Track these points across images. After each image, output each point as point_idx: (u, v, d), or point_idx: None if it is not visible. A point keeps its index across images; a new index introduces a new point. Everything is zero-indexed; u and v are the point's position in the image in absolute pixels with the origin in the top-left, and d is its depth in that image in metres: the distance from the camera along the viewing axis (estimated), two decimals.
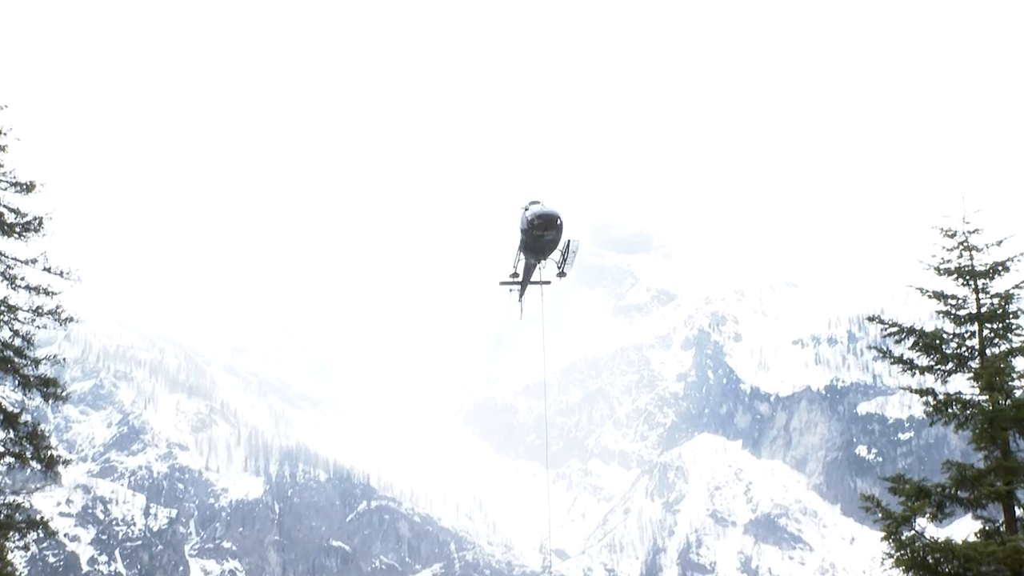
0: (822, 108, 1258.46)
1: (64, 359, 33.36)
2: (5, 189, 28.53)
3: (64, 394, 30.85)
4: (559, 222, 25.82)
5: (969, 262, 26.00)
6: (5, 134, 28.06)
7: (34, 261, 29.44)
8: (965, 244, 26.04)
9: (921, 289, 26.71)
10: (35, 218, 28.97)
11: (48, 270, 29.64)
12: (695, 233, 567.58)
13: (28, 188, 28.73)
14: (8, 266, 29.30)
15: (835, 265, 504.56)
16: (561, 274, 28.48)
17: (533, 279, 30.24)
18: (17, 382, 30.08)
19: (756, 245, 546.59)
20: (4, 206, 28.62)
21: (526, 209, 26.10)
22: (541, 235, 26.11)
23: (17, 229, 28.74)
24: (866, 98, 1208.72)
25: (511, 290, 31.56)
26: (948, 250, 26.32)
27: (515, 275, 30.03)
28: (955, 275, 26.23)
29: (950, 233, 26.26)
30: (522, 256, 28.57)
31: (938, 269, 26.46)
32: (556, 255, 27.75)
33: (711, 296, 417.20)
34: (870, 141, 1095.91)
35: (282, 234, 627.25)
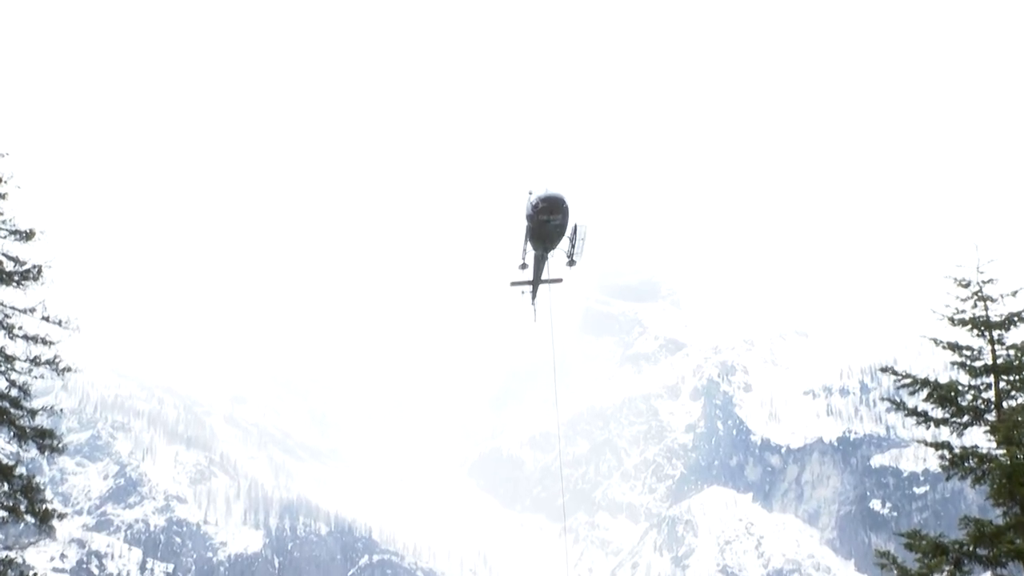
0: (834, 156, 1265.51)
1: (61, 410, 32.86)
2: (4, 237, 28.20)
3: (60, 446, 30.24)
4: (565, 205, 25.16)
5: (984, 312, 25.50)
6: (5, 182, 27.84)
7: (32, 310, 29.02)
8: (979, 294, 25.56)
9: (935, 339, 26.21)
10: (34, 266, 28.60)
11: (46, 319, 29.20)
12: (703, 281, 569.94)
13: (27, 236, 28.41)
14: (6, 315, 28.88)
15: (846, 314, 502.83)
16: (571, 263, 27.48)
17: (544, 277, 29.24)
18: (12, 434, 29.50)
19: (765, 293, 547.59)
20: (3, 254, 28.28)
21: (531, 194, 25.37)
22: (547, 219, 25.37)
23: (16, 278, 28.36)
24: (879, 147, 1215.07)
25: (523, 292, 30.10)
26: (962, 300, 25.84)
27: (524, 266, 28.73)
28: (970, 325, 25.71)
29: (964, 283, 25.81)
30: (530, 247, 27.57)
31: (952, 319, 25.97)
32: (565, 244, 26.92)
33: (720, 345, 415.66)
34: (882, 189, 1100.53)
35: (283, 283, 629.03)
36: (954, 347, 25.84)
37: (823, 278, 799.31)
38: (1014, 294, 25.24)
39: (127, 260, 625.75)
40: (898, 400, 27.32)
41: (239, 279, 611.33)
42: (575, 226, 26.41)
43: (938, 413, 25.88)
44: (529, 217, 25.66)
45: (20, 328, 28.95)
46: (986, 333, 25.50)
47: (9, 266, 28.30)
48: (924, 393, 25.93)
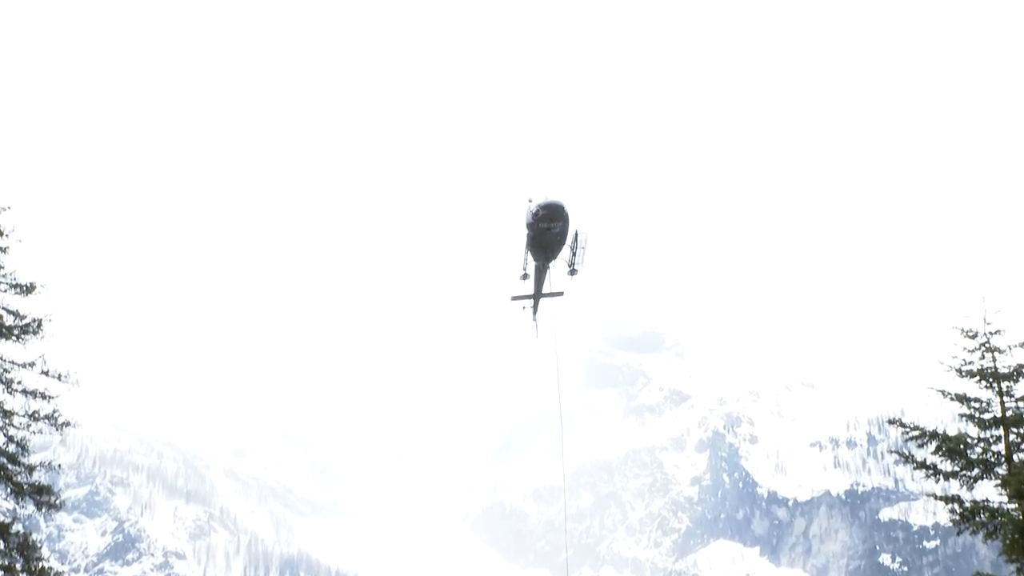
0: (840, 207, 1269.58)
1: (59, 465, 32.49)
2: (5, 291, 28.18)
3: (58, 502, 29.91)
4: (565, 212, 24.76)
5: (992, 364, 25.32)
6: (7, 235, 27.87)
7: (32, 364, 28.88)
8: (987, 345, 25.41)
9: (943, 391, 26.02)
10: (34, 320, 28.52)
11: (46, 373, 29.04)
12: (708, 332, 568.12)
13: (28, 290, 28.36)
14: (5, 369, 28.74)
15: (852, 365, 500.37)
16: (573, 272, 27.10)
17: (545, 291, 28.81)
18: (10, 490, 29.18)
19: (771, 344, 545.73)
20: (3, 308, 28.23)
21: (530, 202, 24.98)
22: (548, 227, 24.96)
23: (15, 332, 28.27)
24: (885, 199, 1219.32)
25: (524, 307, 29.69)
26: (970, 351, 25.69)
27: (525, 276, 28.35)
28: (978, 377, 25.52)
29: (971, 334, 25.67)
30: (530, 257, 27.17)
31: (960, 371, 25.78)
32: (566, 253, 26.52)
33: (725, 397, 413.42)
34: (888, 240, 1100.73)
35: (284, 335, 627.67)
36: (962, 399, 25.64)
37: (828, 329, 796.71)
38: (1022, 345, 25.10)
39: (126, 312, 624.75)
40: (907, 452, 27.06)
41: (240, 332, 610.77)
42: (576, 233, 26.05)
43: (947, 466, 25.62)
44: (529, 225, 25.30)
45: (19, 383, 28.78)
46: (994, 385, 25.30)
47: (9, 320, 28.22)
48: (933, 445, 25.68)
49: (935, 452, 25.77)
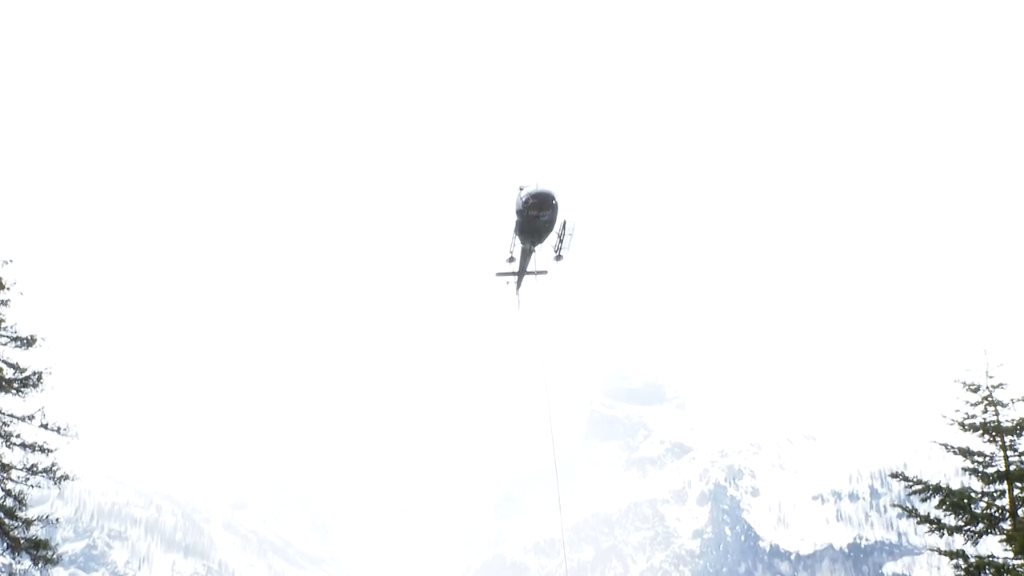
0: (840, 258, 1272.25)
1: (57, 519, 32.19)
2: (5, 344, 28.16)
3: (55, 556, 29.56)
4: (554, 202, 25.46)
5: (995, 418, 25.23)
6: (8, 288, 27.93)
7: (31, 417, 28.75)
8: (990, 399, 25.33)
9: (946, 445, 25.88)
10: (34, 373, 28.47)
11: (45, 426, 28.90)
12: (709, 384, 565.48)
13: (29, 343, 28.36)
14: (4, 423, 28.60)
15: (854, 417, 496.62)
16: (558, 257, 27.82)
17: (529, 269, 29.48)
18: (6, 545, 28.87)
19: (772, 396, 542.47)
20: (3, 361, 28.20)
21: (521, 190, 25.73)
22: (537, 215, 25.72)
23: (15, 385, 28.20)
24: (887, 250, 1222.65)
25: (507, 282, 30.41)
26: (972, 405, 25.62)
27: (511, 259, 29.09)
28: (980, 431, 25.42)
29: (973, 387, 25.62)
30: (518, 241, 27.91)
31: (962, 424, 25.68)
32: (553, 239, 27.21)
33: (727, 449, 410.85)
34: (890, 292, 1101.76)
35: (283, 388, 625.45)
36: (965, 453, 25.50)
37: (830, 381, 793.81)
38: None
39: (124, 364, 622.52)
40: (910, 507, 26.83)
41: (239, 383, 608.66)
42: (563, 222, 26.68)
43: (951, 520, 25.42)
44: (519, 212, 26.06)
45: (18, 436, 28.63)
46: (997, 439, 25.19)
47: (9, 373, 28.17)
48: (936, 499, 25.51)
49: (939, 506, 25.58)
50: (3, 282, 27.61)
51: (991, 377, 25.56)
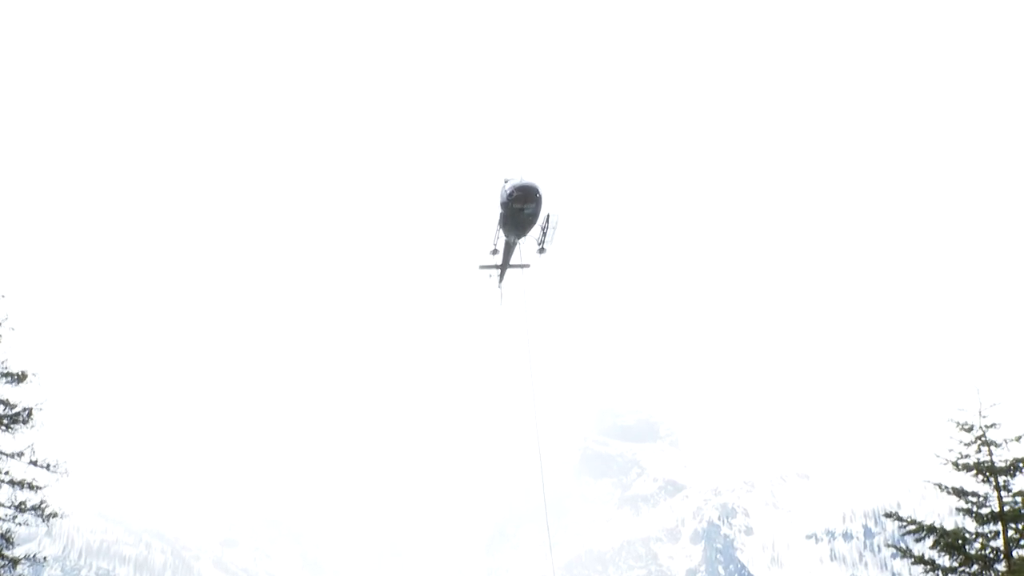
0: (834, 295, 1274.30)
1: (44, 558, 31.74)
2: None
3: None
4: (538, 195, 25.76)
5: (988, 458, 25.17)
6: (0, 324, 27.80)
7: (20, 454, 28.43)
8: (983, 439, 25.30)
9: (940, 485, 25.80)
10: (24, 409, 28.21)
11: (34, 463, 28.57)
12: (702, 421, 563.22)
13: (20, 378, 28.13)
14: None
15: (847, 456, 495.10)
16: (541, 250, 28.13)
17: (513, 262, 29.79)
18: None
19: (765, 434, 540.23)
20: None
21: (506, 183, 26.02)
22: (521, 208, 25.98)
23: (5, 421, 27.94)
24: (878, 287, 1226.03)
25: (490, 275, 30.68)
26: (966, 444, 25.58)
27: (495, 251, 29.39)
28: (974, 471, 25.34)
29: (967, 427, 25.58)
30: (502, 233, 28.15)
31: (956, 464, 25.62)
32: (536, 232, 27.50)
33: (720, 487, 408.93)
34: (884, 331, 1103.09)
35: (273, 424, 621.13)
36: (959, 493, 25.41)
37: (824, 419, 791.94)
38: (1018, 439, 24.99)
39: (114, 401, 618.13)
40: (904, 547, 26.73)
41: (228, 419, 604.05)
42: (547, 215, 26.95)
43: (946, 561, 25.30)
44: (503, 205, 26.34)
45: (6, 473, 28.31)
46: (991, 479, 25.11)
47: (0, 409, 27.96)
48: (931, 540, 25.39)
49: (933, 547, 25.46)
50: None
51: (984, 417, 25.56)
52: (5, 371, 27.92)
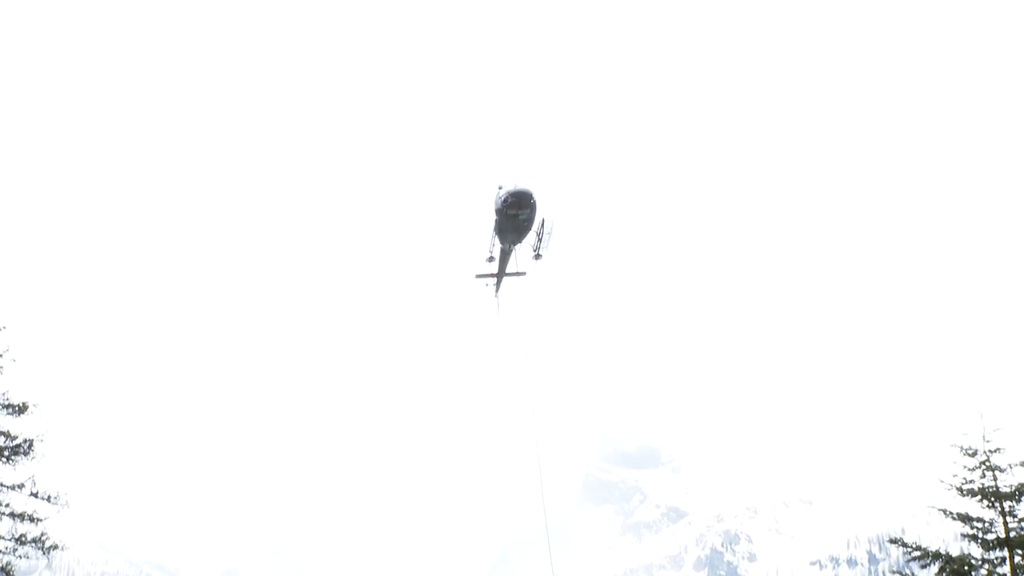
0: (836, 318, 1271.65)
1: None
2: None
3: None
4: (533, 200, 25.57)
5: (993, 483, 25.03)
6: (1, 356, 27.75)
7: (21, 486, 28.28)
8: (987, 464, 25.18)
9: (945, 510, 25.61)
10: (25, 441, 28.09)
11: (35, 495, 28.42)
12: (704, 447, 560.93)
13: (20, 410, 28.04)
14: None
15: (851, 481, 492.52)
16: (537, 256, 27.83)
17: (509, 270, 29.54)
18: None
19: (768, 460, 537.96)
20: None
21: (500, 189, 25.81)
22: (516, 214, 25.78)
23: (6, 453, 27.82)
24: (882, 311, 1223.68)
25: (487, 284, 30.48)
26: (970, 469, 25.44)
27: (491, 259, 28.98)
28: (979, 496, 25.19)
29: (971, 452, 25.46)
30: (497, 240, 27.90)
31: (960, 489, 25.47)
32: (532, 238, 27.24)
33: (723, 513, 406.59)
34: (887, 354, 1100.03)
35: (275, 452, 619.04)
36: (964, 518, 25.23)
37: (826, 444, 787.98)
38: (1023, 464, 24.89)
39: (114, 432, 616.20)
40: (909, 573, 26.59)
41: (228, 449, 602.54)
42: (542, 220, 26.75)
43: None
44: (498, 211, 26.11)
45: (7, 505, 28.14)
46: (996, 504, 24.96)
47: (0, 441, 27.85)
48: (936, 566, 25.20)
49: (939, 573, 25.27)
50: None
51: (988, 442, 25.45)
52: (6, 403, 27.83)
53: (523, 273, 30.08)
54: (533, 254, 28.19)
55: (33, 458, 28.11)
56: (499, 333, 30.94)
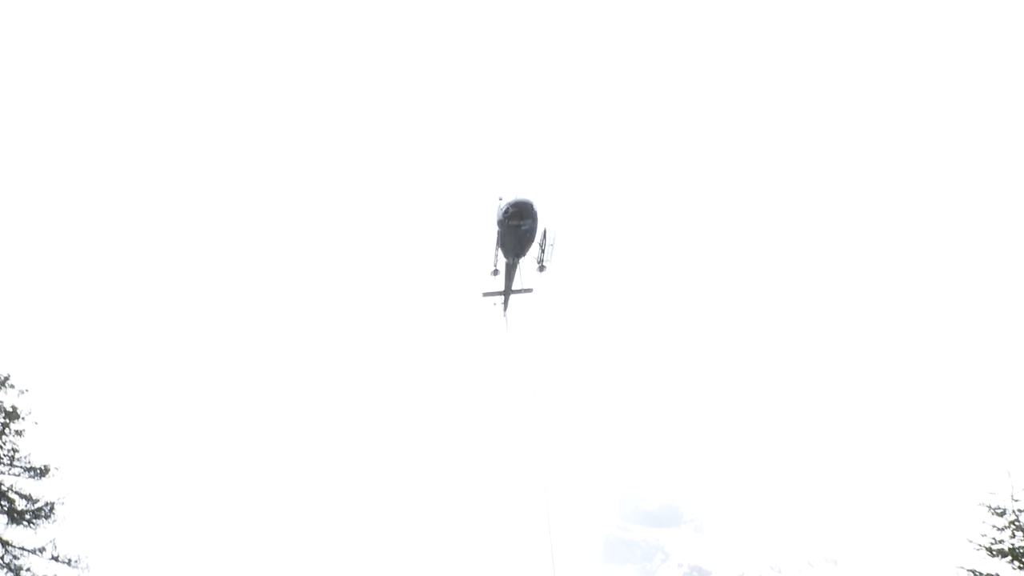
0: (862, 378, 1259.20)
1: None
2: (18, 475, 27.96)
3: None
4: (534, 210, 25.60)
5: (1023, 543, 24.60)
6: (23, 418, 27.93)
7: (42, 550, 28.27)
8: (1016, 524, 24.73)
9: (974, 571, 25.12)
10: (46, 504, 28.14)
11: (55, 559, 28.39)
12: (727, 505, 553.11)
13: (42, 473, 28.17)
14: (14, 556, 28.10)
15: (877, 540, 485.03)
16: (542, 268, 27.81)
17: (515, 287, 29.34)
18: None
19: (792, 518, 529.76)
20: (16, 492, 27.94)
21: (500, 200, 25.75)
22: (517, 224, 25.87)
23: (27, 516, 27.86)
24: (907, 367, 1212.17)
25: (495, 303, 30.18)
26: (999, 529, 24.98)
27: (496, 272, 28.83)
28: (1009, 557, 24.71)
29: (999, 511, 25.03)
30: (501, 254, 27.81)
31: (990, 550, 24.98)
32: (536, 251, 27.17)
33: (746, 572, 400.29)
34: (914, 410, 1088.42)
35: (293, 508, 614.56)
36: None
37: (851, 502, 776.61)
38: None
39: (134, 492, 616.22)
40: None
41: (249, 501, 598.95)
42: (544, 231, 26.74)
43: None
44: (499, 223, 26.18)
45: (28, 570, 28.11)
46: None
47: (21, 504, 27.90)
48: None
49: None
50: (19, 412, 27.63)
51: (1016, 500, 25.04)
52: (28, 465, 27.96)
53: (530, 290, 30.11)
54: (537, 266, 28.30)
55: (54, 521, 28.14)
56: (506, 342, 30.87)
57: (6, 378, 27.61)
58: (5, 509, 27.78)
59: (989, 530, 25.24)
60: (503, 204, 26.51)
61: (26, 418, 28.07)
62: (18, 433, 28.10)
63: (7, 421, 27.87)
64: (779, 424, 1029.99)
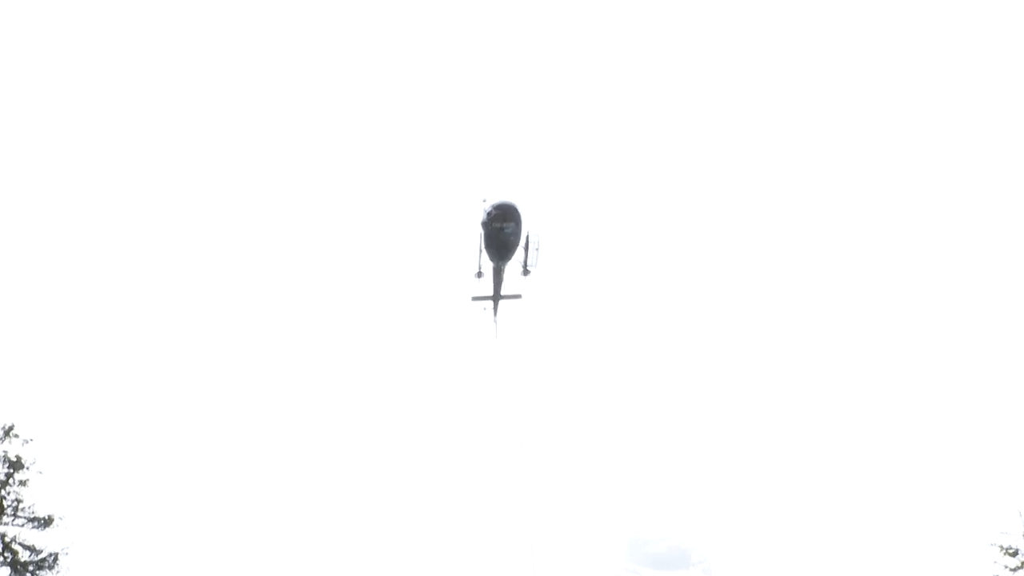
0: (872, 419, 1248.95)
1: None
2: (22, 526, 27.75)
3: None
4: (517, 213, 25.82)
5: None
6: (28, 468, 27.79)
7: None
8: None
9: None
10: (50, 555, 27.92)
11: None
12: (735, 547, 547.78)
13: (46, 523, 27.96)
14: None
15: None
16: (526, 272, 27.82)
17: (504, 293, 29.30)
18: None
19: (801, 559, 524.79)
20: (20, 544, 27.72)
21: (484, 202, 25.98)
22: (501, 227, 26.00)
23: (31, 568, 27.63)
24: (916, 411, 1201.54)
25: (484, 308, 30.35)
26: (1012, 570, 24.80)
27: (480, 274, 28.96)
28: None
29: (1011, 551, 24.85)
30: (486, 258, 27.87)
31: None
32: (520, 254, 27.20)
33: None
34: (925, 448, 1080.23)
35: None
36: None
37: (862, 542, 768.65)
38: None
39: (137, 539, 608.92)
40: None
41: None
42: (527, 235, 26.69)
43: None
44: (483, 225, 26.48)
45: None
46: None
47: (25, 556, 27.67)
48: None
49: None
50: (23, 462, 27.49)
51: None
52: (32, 516, 27.75)
53: (518, 296, 30.25)
54: (522, 270, 28.47)
55: (58, 572, 27.91)
56: (495, 348, 30.94)
57: (10, 428, 27.54)
58: (8, 561, 27.59)
59: (1001, 570, 25.07)
60: (487, 206, 26.84)
61: (30, 467, 27.94)
62: (22, 483, 27.95)
63: (11, 471, 27.75)
64: (786, 465, 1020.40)
